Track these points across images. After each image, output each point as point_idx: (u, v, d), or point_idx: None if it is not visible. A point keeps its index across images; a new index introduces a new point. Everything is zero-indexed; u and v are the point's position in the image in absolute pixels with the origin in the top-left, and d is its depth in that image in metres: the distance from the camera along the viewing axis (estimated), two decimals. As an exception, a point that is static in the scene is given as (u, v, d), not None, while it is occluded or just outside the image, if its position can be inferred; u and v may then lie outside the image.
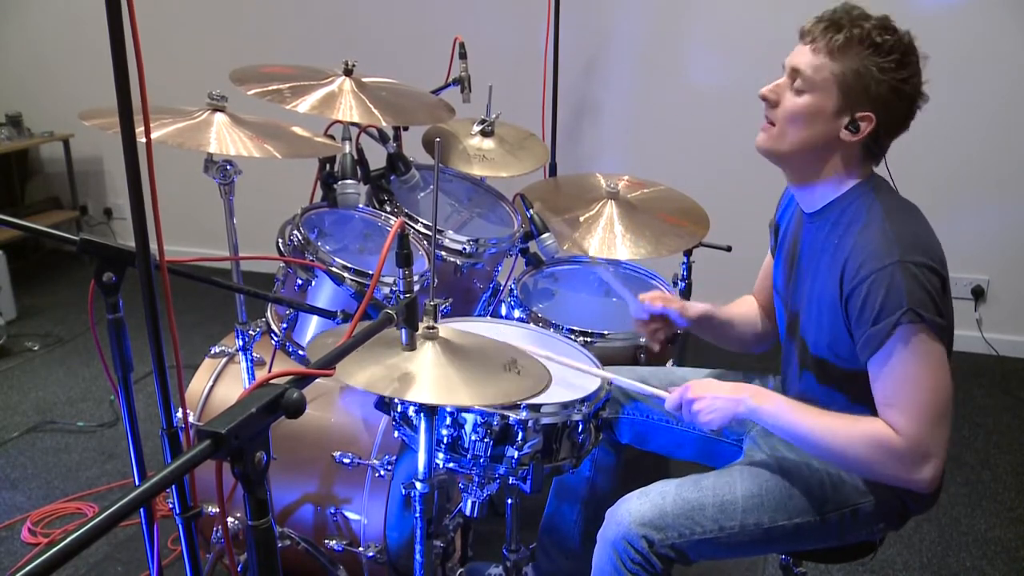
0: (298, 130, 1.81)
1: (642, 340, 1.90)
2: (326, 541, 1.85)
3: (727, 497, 1.43)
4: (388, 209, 2.04)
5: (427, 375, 1.21)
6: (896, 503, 1.46)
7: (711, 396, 1.43)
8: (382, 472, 1.80)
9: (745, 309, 1.79)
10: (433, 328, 1.27)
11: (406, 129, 2.33)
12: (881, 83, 1.31)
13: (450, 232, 1.99)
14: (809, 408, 1.38)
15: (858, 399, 1.39)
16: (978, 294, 3.49)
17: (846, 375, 1.42)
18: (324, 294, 1.78)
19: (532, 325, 1.90)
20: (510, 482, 1.52)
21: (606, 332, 1.96)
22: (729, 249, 2.35)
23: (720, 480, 1.47)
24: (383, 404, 1.62)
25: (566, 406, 1.52)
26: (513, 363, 1.32)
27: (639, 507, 1.42)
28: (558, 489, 1.88)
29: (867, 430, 1.31)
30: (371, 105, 1.96)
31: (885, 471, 1.33)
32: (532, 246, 2.17)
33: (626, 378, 1.61)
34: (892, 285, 1.27)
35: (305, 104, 1.89)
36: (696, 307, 1.69)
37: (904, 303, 1.26)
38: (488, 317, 2.06)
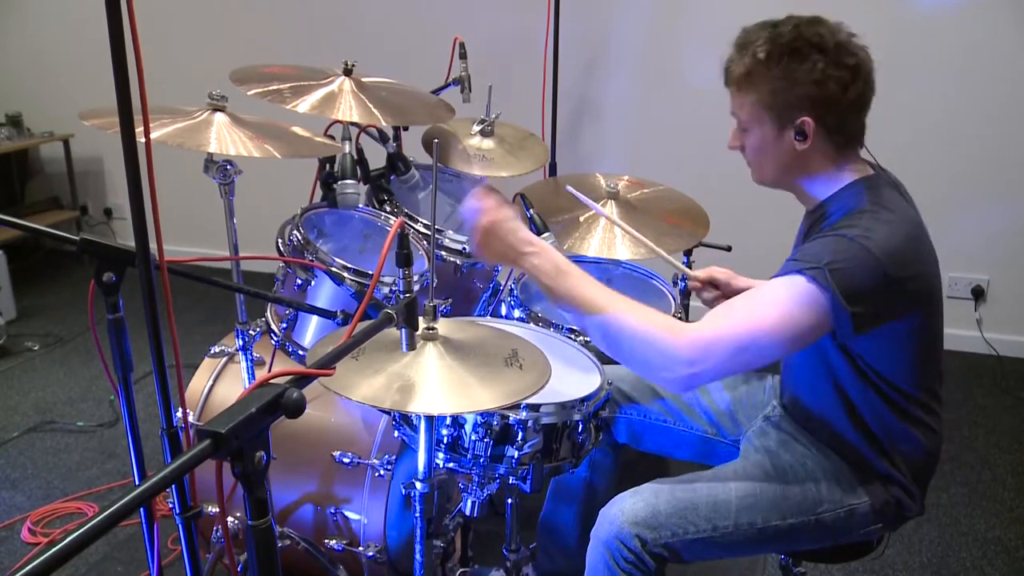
0: (298, 130, 1.81)
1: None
2: (326, 541, 1.86)
3: (721, 497, 1.43)
4: (388, 209, 2.04)
5: (431, 381, 1.21)
6: (892, 504, 1.46)
7: (498, 235, 1.37)
8: (382, 472, 1.80)
9: None
10: (433, 329, 1.27)
11: (406, 129, 2.33)
12: (795, 86, 1.32)
13: (450, 232, 1.99)
14: (595, 281, 1.34)
15: (851, 382, 1.40)
16: (978, 294, 3.49)
17: (831, 361, 1.41)
18: (324, 294, 1.78)
19: (532, 325, 1.90)
20: (510, 482, 1.52)
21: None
22: (729, 249, 2.35)
23: (714, 480, 1.47)
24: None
25: (566, 406, 1.53)
26: (514, 355, 1.32)
27: (632, 506, 1.42)
28: (555, 489, 1.88)
29: (653, 315, 1.29)
30: (371, 105, 1.96)
31: (654, 359, 1.28)
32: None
33: None
34: (828, 245, 1.28)
35: (305, 104, 1.89)
36: (741, 282, 1.75)
37: (822, 260, 1.25)
38: (488, 317, 2.06)
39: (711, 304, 1.76)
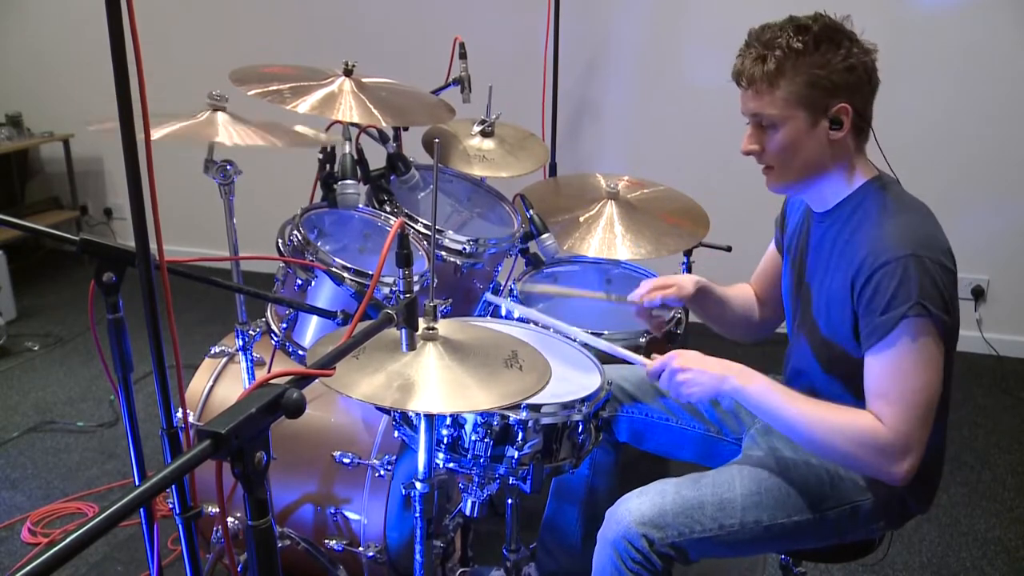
0: (301, 128, 1.82)
1: (641, 340, 1.90)
2: (326, 541, 1.86)
3: (726, 495, 1.43)
4: (388, 209, 2.04)
5: (432, 381, 1.21)
6: (896, 501, 1.46)
7: (697, 370, 1.42)
8: (382, 472, 1.80)
9: (741, 294, 1.80)
10: (433, 329, 1.27)
11: (406, 129, 2.33)
12: (832, 75, 1.32)
13: (450, 232, 1.99)
14: (795, 394, 1.38)
15: (863, 394, 1.40)
16: (978, 294, 3.49)
17: (853, 371, 1.41)
18: (324, 294, 1.78)
19: (532, 325, 1.90)
20: (510, 482, 1.52)
21: (606, 332, 1.96)
22: (729, 249, 2.35)
23: (719, 478, 1.47)
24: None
25: (566, 406, 1.52)
26: (514, 356, 1.32)
27: (639, 506, 1.42)
28: (557, 489, 1.88)
29: (853, 420, 1.32)
30: (371, 105, 1.96)
31: (865, 461, 1.33)
32: (532, 246, 2.17)
33: (609, 347, 1.63)
34: (904, 277, 1.28)
35: (305, 104, 1.89)
36: (690, 281, 1.69)
37: (914, 296, 1.27)
38: (488, 317, 2.06)
39: (657, 327, 1.77)
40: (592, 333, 1.94)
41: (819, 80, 1.32)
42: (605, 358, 1.73)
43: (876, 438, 1.29)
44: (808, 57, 1.32)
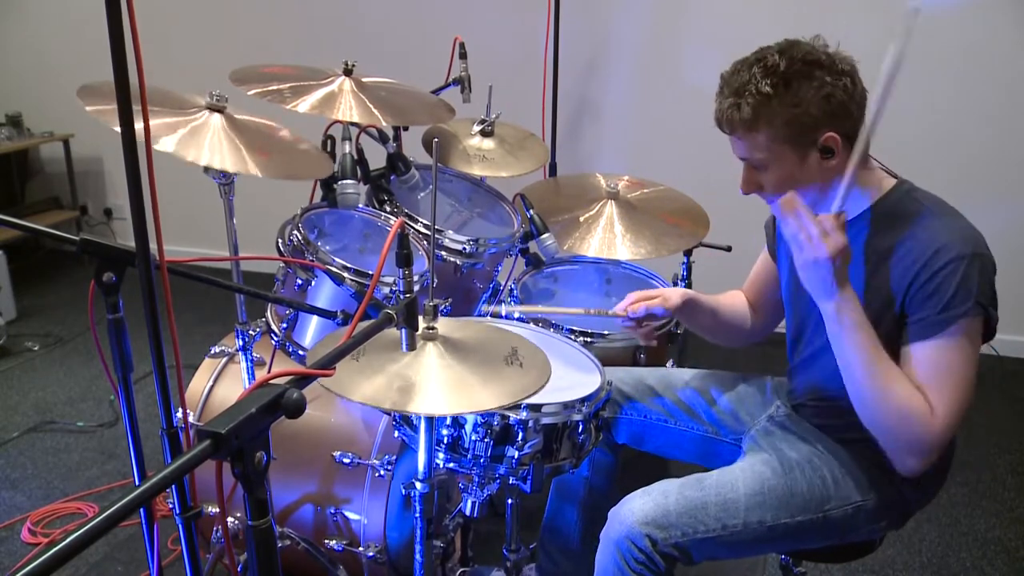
0: (285, 133, 1.81)
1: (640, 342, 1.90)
2: (326, 541, 1.85)
3: (730, 496, 1.43)
4: (388, 209, 2.04)
5: (433, 381, 1.21)
6: (898, 500, 1.46)
7: (825, 258, 1.28)
8: (382, 472, 1.80)
9: (733, 302, 1.80)
10: (433, 329, 1.27)
11: (406, 129, 2.33)
12: (810, 109, 1.31)
13: (450, 232, 1.99)
14: (879, 347, 1.33)
15: None
16: (978, 294, 3.48)
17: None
18: (324, 294, 1.78)
19: (532, 325, 1.90)
20: (510, 482, 1.52)
21: (606, 332, 1.96)
22: (729, 249, 2.35)
23: (723, 478, 1.47)
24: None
25: (566, 406, 1.52)
26: (513, 353, 1.32)
27: (642, 506, 1.42)
28: (558, 489, 1.88)
29: (911, 394, 1.31)
30: (371, 105, 1.96)
31: (901, 437, 1.34)
32: (532, 246, 2.17)
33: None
34: (965, 276, 1.31)
35: (305, 104, 1.89)
36: (676, 293, 1.68)
37: (974, 294, 1.30)
38: (488, 317, 2.06)
39: (647, 337, 1.73)
40: (593, 334, 1.94)
41: (797, 118, 1.32)
42: (605, 359, 1.73)
43: (922, 420, 1.30)
44: (781, 99, 1.31)
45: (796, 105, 1.31)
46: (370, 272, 1.74)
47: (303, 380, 0.96)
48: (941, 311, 1.31)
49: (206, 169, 1.62)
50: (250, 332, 1.80)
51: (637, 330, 1.71)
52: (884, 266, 1.38)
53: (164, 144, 1.53)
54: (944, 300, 1.31)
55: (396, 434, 1.67)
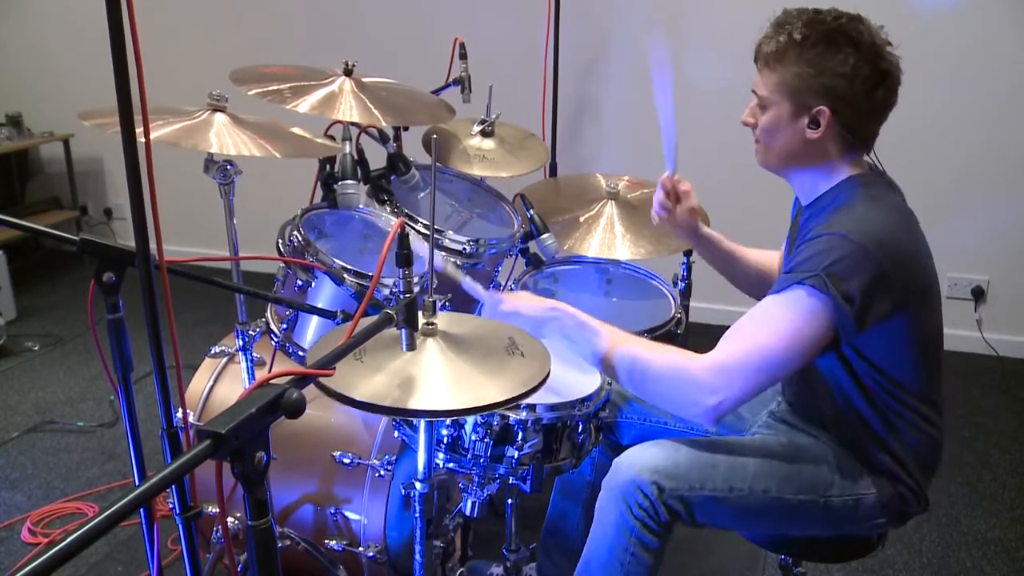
0: (297, 130, 1.82)
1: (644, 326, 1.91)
2: (326, 541, 1.85)
3: (740, 458, 1.44)
4: (388, 209, 2.04)
5: (437, 377, 1.20)
6: (897, 499, 1.47)
7: (525, 303, 1.49)
8: (382, 472, 1.80)
9: (762, 258, 1.81)
10: (432, 324, 1.27)
11: (406, 129, 2.33)
12: (821, 76, 1.33)
13: (450, 232, 1.99)
14: (617, 330, 1.42)
15: (852, 378, 1.41)
16: (978, 294, 3.49)
17: (837, 356, 1.41)
18: (324, 294, 1.78)
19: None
20: (510, 482, 1.52)
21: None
22: (729, 249, 2.34)
23: (734, 442, 1.48)
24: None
25: (566, 406, 1.52)
26: (513, 344, 1.32)
27: (652, 455, 1.42)
28: (561, 491, 1.88)
29: (673, 351, 1.34)
30: (371, 105, 1.96)
31: (677, 392, 1.34)
32: (532, 246, 2.17)
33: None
34: (824, 249, 1.29)
35: (305, 104, 1.89)
36: (706, 230, 1.75)
37: (822, 267, 1.27)
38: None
39: (660, 207, 1.78)
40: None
41: (806, 77, 1.34)
42: None
43: (688, 368, 1.30)
44: (804, 52, 1.33)
45: (813, 65, 1.33)
46: (370, 272, 1.74)
47: (303, 380, 0.96)
48: (788, 270, 1.31)
49: (206, 169, 1.62)
50: (250, 332, 1.80)
51: (666, 195, 1.77)
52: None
53: (170, 136, 1.53)
54: (795, 262, 1.31)
55: (396, 434, 1.67)
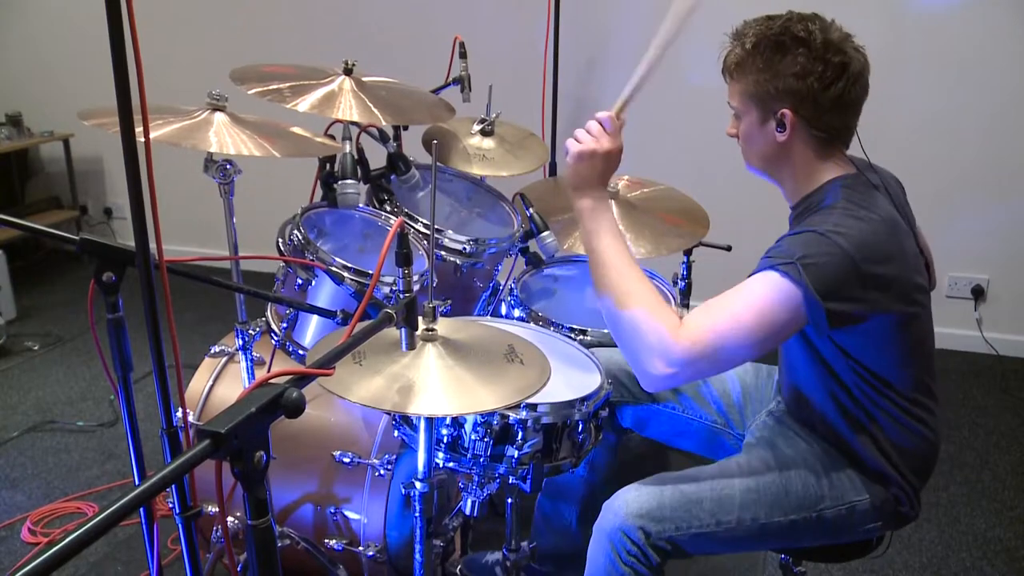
0: (298, 130, 1.82)
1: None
2: (326, 541, 1.86)
3: (725, 492, 1.44)
4: (388, 209, 2.04)
5: (436, 382, 1.20)
6: (891, 502, 1.47)
7: (585, 168, 1.44)
8: (382, 471, 1.80)
9: None
10: (432, 330, 1.27)
11: (406, 129, 2.32)
12: (776, 79, 1.35)
13: (450, 232, 1.99)
14: (629, 254, 1.40)
15: (841, 378, 1.41)
16: (978, 294, 3.48)
17: (823, 356, 1.42)
18: (324, 294, 1.78)
19: (532, 324, 1.90)
20: (510, 481, 1.52)
21: (606, 331, 1.96)
22: (729, 249, 2.34)
23: (718, 474, 1.47)
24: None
25: (566, 406, 1.52)
26: (512, 351, 1.32)
27: (636, 498, 1.42)
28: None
29: (658, 305, 1.32)
30: (371, 104, 1.96)
31: (636, 343, 1.32)
32: (532, 245, 2.17)
33: None
34: (799, 241, 1.30)
35: (305, 103, 1.89)
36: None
37: (796, 255, 1.27)
38: (488, 316, 2.06)
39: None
40: (581, 330, 1.93)
41: (763, 84, 1.37)
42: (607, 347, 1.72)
43: (659, 331, 1.29)
44: (757, 59, 1.37)
45: (765, 71, 1.36)
46: (370, 272, 1.74)
47: (303, 380, 0.96)
48: (765, 256, 1.32)
49: (206, 168, 1.62)
50: (250, 332, 1.80)
51: None
52: None
53: (170, 135, 1.53)
54: (771, 250, 1.32)
55: (396, 434, 1.67)
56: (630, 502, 1.42)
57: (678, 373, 1.29)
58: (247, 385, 1.73)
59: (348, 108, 1.91)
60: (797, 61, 1.33)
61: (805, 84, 1.34)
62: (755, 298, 1.28)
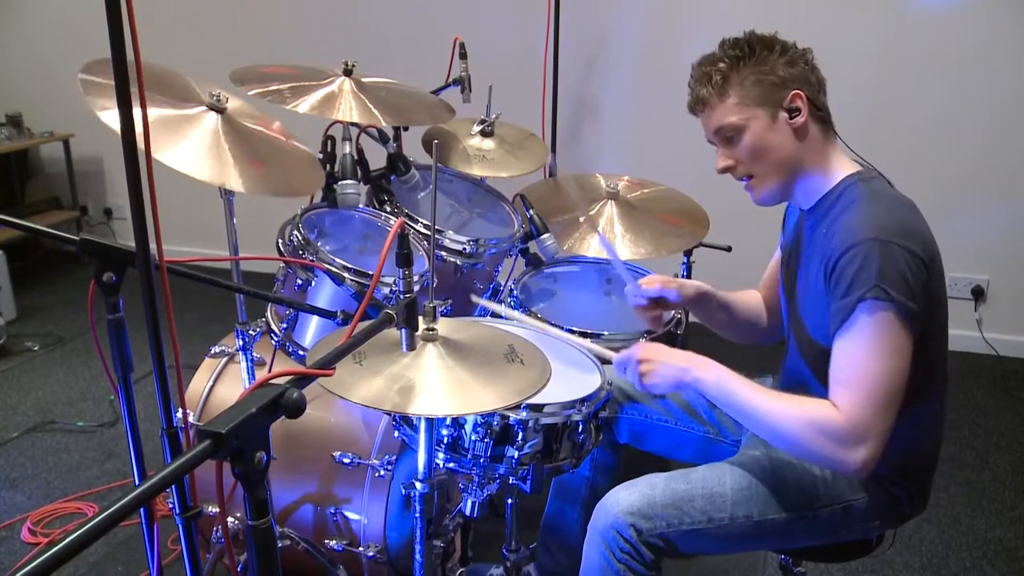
0: (278, 125, 1.81)
1: (644, 327, 1.88)
2: (326, 541, 1.86)
3: (716, 489, 1.44)
4: (388, 209, 2.04)
5: (436, 382, 1.20)
6: (890, 501, 1.46)
7: (659, 361, 1.44)
8: (382, 472, 1.80)
9: (748, 300, 1.79)
10: (433, 331, 1.27)
11: (406, 129, 2.33)
12: (775, 70, 1.38)
13: (450, 232, 1.99)
14: (755, 384, 1.38)
15: None
16: (978, 294, 3.49)
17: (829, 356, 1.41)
18: (324, 294, 1.78)
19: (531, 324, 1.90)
20: (510, 482, 1.52)
21: (605, 332, 1.96)
22: (729, 249, 2.34)
23: (710, 473, 1.48)
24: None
25: (566, 406, 1.52)
26: (512, 351, 1.32)
27: (628, 497, 1.43)
28: (558, 489, 1.88)
29: (809, 407, 1.32)
30: (371, 105, 1.96)
31: (819, 449, 1.31)
32: (532, 246, 2.17)
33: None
34: (865, 261, 1.28)
35: (305, 104, 1.89)
36: (692, 285, 1.69)
37: (873, 279, 1.26)
38: (488, 317, 2.06)
39: (655, 322, 1.76)
40: (593, 333, 1.94)
41: (765, 76, 1.38)
42: (605, 359, 1.72)
43: (829, 424, 1.28)
44: (749, 61, 1.38)
45: (763, 64, 1.38)
46: (370, 272, 1.74)
47: (303, 380, 0.96)
48: (843, 296, 1.30)
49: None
50: (250, 332, 1.80)
51: (646, 312, 1.70)
52: (817, 253, 1.40)
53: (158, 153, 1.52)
54: (845, 285, 1.29)
55: (396, 434, 1.67)
56: (622, 500, 1.43)
57: (867, 444, 1.27)
58: (247, 385, 1.73)
59: (348, 109, 1.91)
60: (779, 55, 1.38)
61: (797, 67, 1.38)
62: (875, 345, 1.28)
